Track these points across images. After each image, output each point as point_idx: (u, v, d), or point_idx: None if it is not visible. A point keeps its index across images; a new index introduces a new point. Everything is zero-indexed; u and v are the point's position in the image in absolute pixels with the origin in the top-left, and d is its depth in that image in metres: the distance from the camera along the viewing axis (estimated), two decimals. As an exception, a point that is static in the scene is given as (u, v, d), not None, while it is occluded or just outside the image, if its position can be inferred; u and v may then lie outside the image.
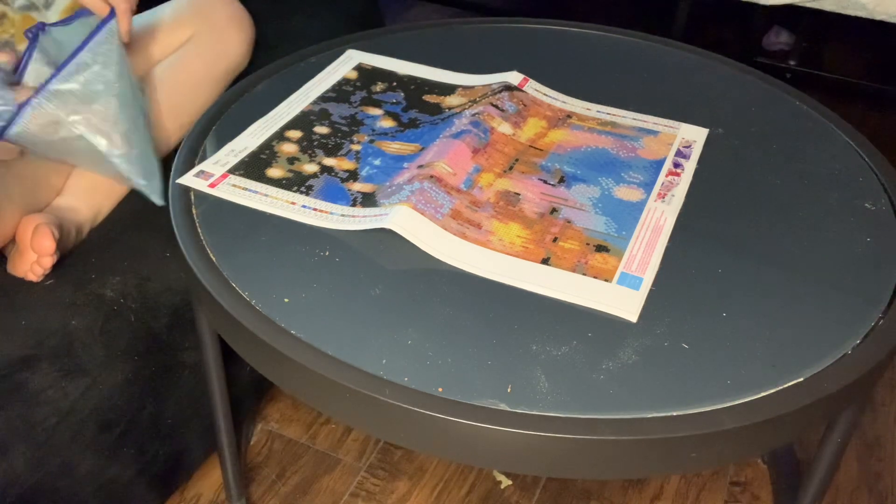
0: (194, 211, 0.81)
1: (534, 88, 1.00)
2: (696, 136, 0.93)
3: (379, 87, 1.00)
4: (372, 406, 0.64)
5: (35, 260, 0.94)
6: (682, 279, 0.75)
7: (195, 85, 1.14)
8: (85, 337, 0.93)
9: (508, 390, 0.64)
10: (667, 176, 0.87)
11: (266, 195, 0.82)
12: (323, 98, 0.97)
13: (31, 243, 0.93)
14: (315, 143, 0.90)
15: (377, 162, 0.87)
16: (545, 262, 0.76)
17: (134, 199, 1.07)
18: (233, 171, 0.85)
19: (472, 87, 1.00)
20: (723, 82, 1.05)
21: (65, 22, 1.00)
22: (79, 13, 1.01)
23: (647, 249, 0.77)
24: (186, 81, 1.14)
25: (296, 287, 0.73)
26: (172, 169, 0.86)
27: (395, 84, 1.01)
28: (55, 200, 1.02)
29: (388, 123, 0.93)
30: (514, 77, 1.00)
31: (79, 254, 0.99)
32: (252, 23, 1.23)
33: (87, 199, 1.03)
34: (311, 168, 0.86)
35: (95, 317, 0.94)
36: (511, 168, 0.87)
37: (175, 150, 0.93)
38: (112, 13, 0.97)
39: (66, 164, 1.02)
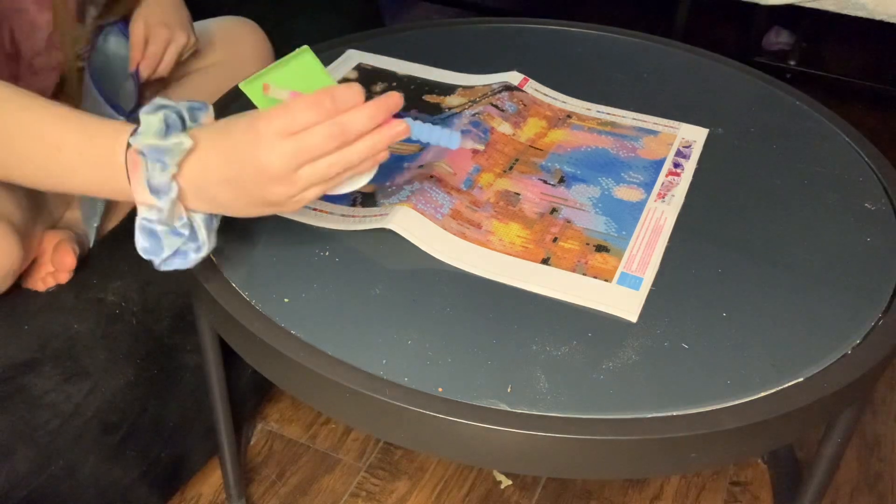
0: (194, 211, 0.81)
1: (534, 88, 1.00)
2: (696, 136, 0.93)
3: (379, 87, 1.00)
4: (372, 406, 0.64)
5: (51, 272, 0.96)
6: (682, 279, 0.75)
7: None
8: (87, 340, 0.93)
9: (508, 390, 0.64)
10: (667, 176, 0.87)
11: (266, 196, 0.82)
12: (323, 98, 0.97)
13: (52, 258, 0.95)
14: (315, 144, 0.90)
15: (377, 162, 0.87)
16: (545, 262, 0.76)
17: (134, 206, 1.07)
18: (233, 171, 0.85)
19: (472, 87, 1.00)
20: (723, 82, 1.05)
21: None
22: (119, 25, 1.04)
23: (647, 249, 0.77)
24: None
25: (296, 287, 0.73)
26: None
27: (395, 84, 1.01)
28: (66, 214, 1.03)
29: (388, 124, 0.93)
30: (514, 77, 1.00)
31: (80, 259, 1.00)
32: (272, 52, 1.23)
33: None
34: (311, 168, 0.86)
35: (97, 320, 0.95)
36: (511, 168, 0.87)
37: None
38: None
39: None
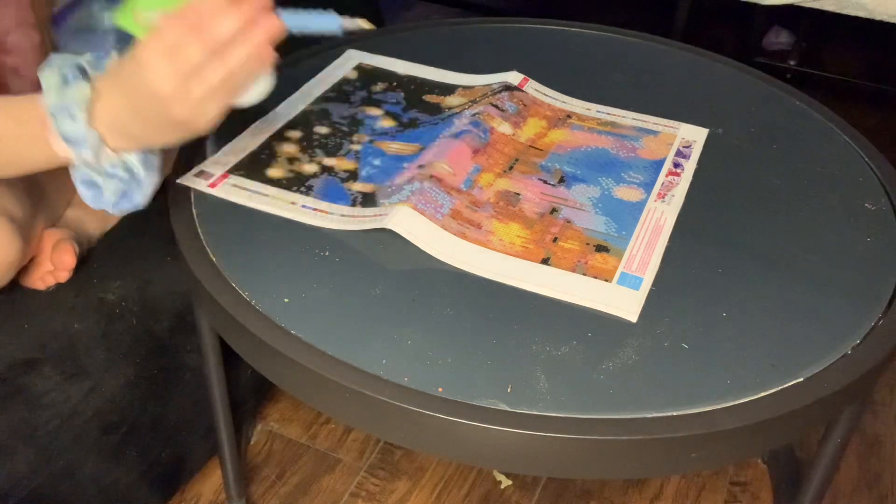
0: (194, 211, 0.81)
1: (534, 88, 1.00)
2: (696, 136, 0.93)
3: (379, 87, 1.00)
4: (372, 406, 0.64)
5: (50, 271, 0.96)
6: (682, 279, 0.75)
7: None
8: (87, 340, 0.93)
9: (508, 390, 0.64)
10: (667, 176, 0.87)
11: (266, 195, 0.82)
12: (323, 98, 0.97)
13: (51, 257, 0.95)
14: (315, 143, 0.90)
15: (377, 162, 0.87)
16: (545, 262, 0.76)
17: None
18: (233, 170, 0.85)
19: (472, 87, 1.00)
20: (723, 82, 1.05)
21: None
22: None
23: (647, 249, 0.78)
24: None
25: (296, 287, 0.73)
26: (172, 169, 0.86)
27: (395, 84, 1.01)
28: (67, 212, 1.03)
29: (388, 123, 0.93)
30: (514, 77, 1.00)
31: (80, 258, 1.00)
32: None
33: (95, 210, 1.04)
34: (311, 168, 0.86)
35: (97, 320, 0.95)
36: (511, 168, 0.87)
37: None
38: None
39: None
